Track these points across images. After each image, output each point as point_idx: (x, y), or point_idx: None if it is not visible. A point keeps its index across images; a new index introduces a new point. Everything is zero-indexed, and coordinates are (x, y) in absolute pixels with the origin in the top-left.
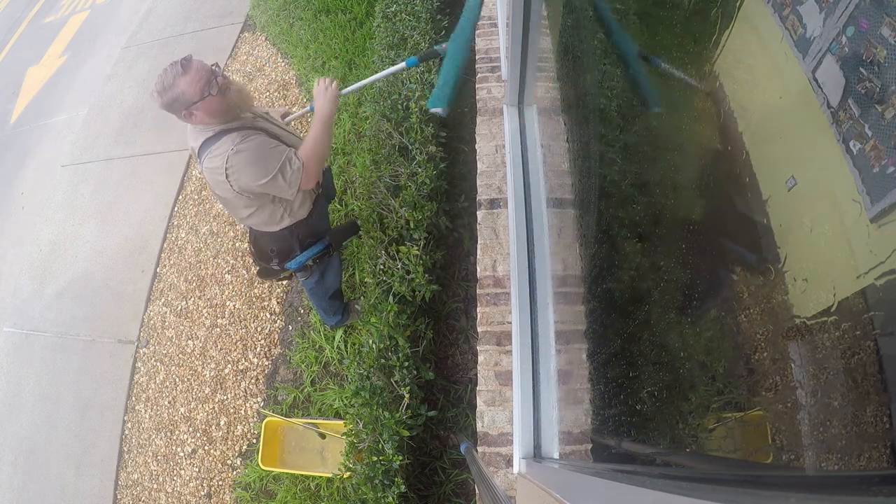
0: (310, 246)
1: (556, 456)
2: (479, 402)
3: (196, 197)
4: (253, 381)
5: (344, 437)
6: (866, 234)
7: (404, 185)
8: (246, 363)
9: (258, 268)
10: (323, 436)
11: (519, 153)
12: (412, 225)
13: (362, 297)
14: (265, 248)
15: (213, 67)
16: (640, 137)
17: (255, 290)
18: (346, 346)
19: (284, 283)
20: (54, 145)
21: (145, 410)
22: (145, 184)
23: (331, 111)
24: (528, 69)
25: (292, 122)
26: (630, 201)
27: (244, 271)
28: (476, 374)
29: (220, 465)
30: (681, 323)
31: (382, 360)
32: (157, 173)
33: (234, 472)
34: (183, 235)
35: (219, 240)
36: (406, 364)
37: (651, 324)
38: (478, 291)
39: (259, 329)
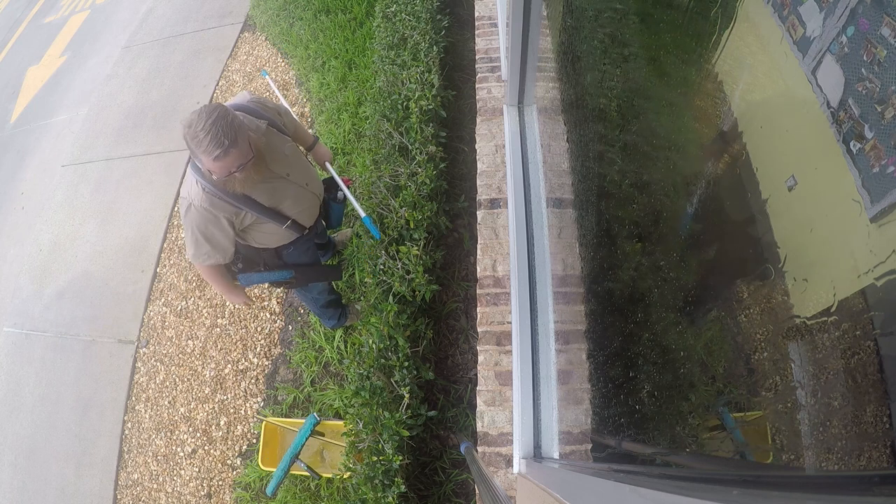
0: (272, 270)
1: (556, 456)
2: (479, 402)
3: None
4: (253, 381)
5: (344, 437)
6: (866, 234)
7: (404, 185)
8: (246, 363)
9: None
10: (323, 435)
11: (519, 153)
12: (412, 225)
13: (362, 298)
14: (236, 250)
15: (245, 163)
16: (640, 137)
17: (256, 291)
18: (345, 346)
19: None
20: (54, 145)
21: (145, 410)
22: (145, 184)
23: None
24: (528, 69)
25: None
26: (630, 201)
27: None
28: (476, 374)
29: (220, 465)
30: (681, 323)
31: (382, 360)
32: (157, 173)
33: (234, 472)
34: (183, 235)
35: None
36: (406, 364)
37: (651, 323)
38: (478, 291)
39: (259, 329)
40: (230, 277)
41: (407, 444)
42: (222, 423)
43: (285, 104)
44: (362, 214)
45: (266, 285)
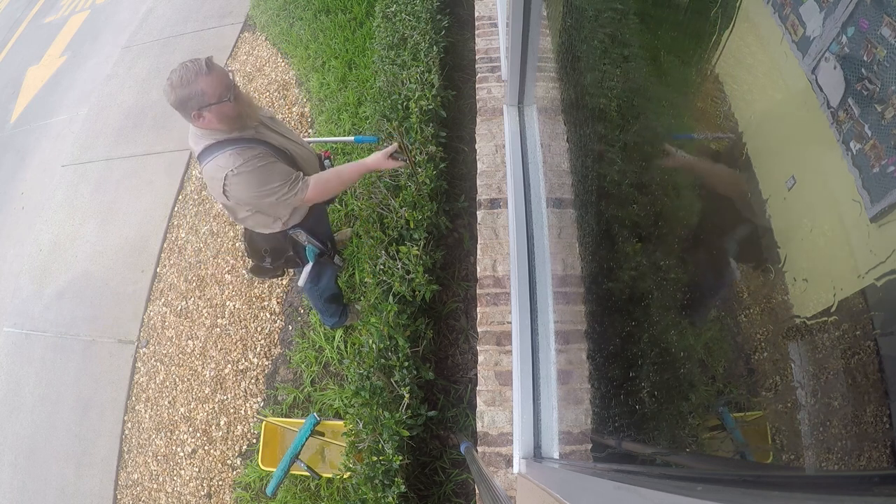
0: (300, 253)
1: (556, 456)
2: (479, 402)
3: (196, 197)
4: (253, 381)
5: (344, 437)
6: (866, 234)
7: (404, 185)
8: (246, 363)
9: (252, 265)
10: (323, 435)
11: (519, 153)
12: (412, 225)
13: (362, 298)
14: (259, 246)
15: (233, 77)
16: (640, 137)
17: (255, 290)
18: (345, 346)
19: (284, 282)
20: (54, 145)
21: (145, 410)
22: (145, 184)
23: (375, 167)
24: (528, 69)
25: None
26: (629, 201)
27: (244, 271)
28: (476, 374)
29: (220, 465)
30: (680, 322)
31: (382, 360)
32: (157, 173)
33: (234, 472)
34: (183, 235)
35: (219, 240)
36: (406, 364)
37: (652, 323)
38: (478, 291)
39: (259, 329)
40: (359, 171)
41: (407, 444)
42: (222, 423)
43: None
44: (351, 138)
45: (267, 285)
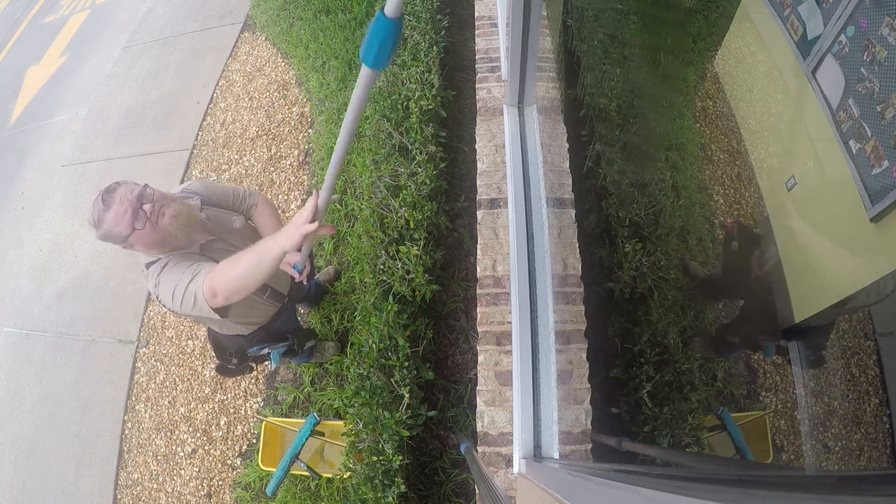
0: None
1: (556, 456)
2: (479, 402)
3: None
4: (253, 381)
5: (344, 437)
6: (866, 235)
7: (404, 185)
8: None
9: (218, 363)
10: (323, 435)
11: (519, 153)
12: (412, 225)
13: (361, 298)
14: (224, 347)
15: (143, 191)
16: (640, 137)
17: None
18: (346, 346)
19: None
20: (54, 145)
21: (145, 410)
22: None
23: (289, 244)
24: (528, 69)
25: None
26: (630, 200)
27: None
28: (476, 374)
29: (220, 464)
30: (679, 322)
31: (382, 360)
32: (156, 173)
33: (234, 472)
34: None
35: None
36: (406, 364)
37: (652, 322)
38: (478, 291)
39: None
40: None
41: (407, 444)
42: (222, 423)
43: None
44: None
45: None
